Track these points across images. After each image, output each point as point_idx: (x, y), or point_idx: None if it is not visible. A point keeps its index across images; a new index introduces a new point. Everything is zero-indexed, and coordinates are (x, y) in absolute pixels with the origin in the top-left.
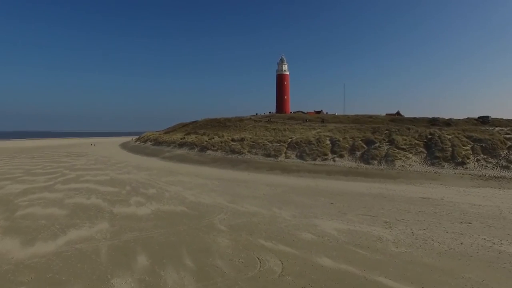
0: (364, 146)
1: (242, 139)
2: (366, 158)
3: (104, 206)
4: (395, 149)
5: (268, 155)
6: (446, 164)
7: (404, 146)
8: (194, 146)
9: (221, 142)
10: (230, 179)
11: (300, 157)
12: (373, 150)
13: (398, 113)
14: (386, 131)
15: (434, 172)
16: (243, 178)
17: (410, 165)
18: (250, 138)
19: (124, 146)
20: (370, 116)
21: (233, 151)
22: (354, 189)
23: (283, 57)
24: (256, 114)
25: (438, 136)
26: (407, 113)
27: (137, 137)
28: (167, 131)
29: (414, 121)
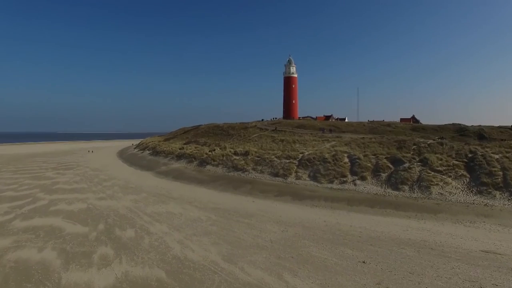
0: (390, 166)
1: (246, 153)
2: (394, 182)
3: (55, 266)
4: (429, 171)
5: (276, 175)
6: (498, 193)
7: (440, 168)
8: (193, 159)
9: (223, 156)
10: (230, 210)
11: (314, 178)
12: (402, 172)
13: (413, 118)
14: (414, 147)
15: (485, 205)
16: (246, 208)
17: (450, 193)
18: (255, 152)
19: (121, 154)
20: (388, 125)
21: (235, 168)
22: (387, 231)
23: (291, 58)
24: (262, 120)
25: (482, 155)
26: (419, 117)
27: (140, 141)
28: (168, 138)
29: (438, 130)
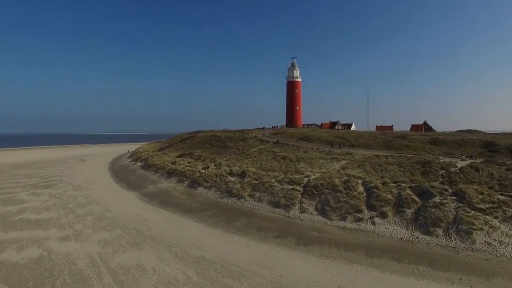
0: (416, 199)
1: (243, 173)
2: (423, 223)
3: None
4: (468, 210)
5: (277, 205)
6: None
7: (481, 205)
8: (184, 177)
9: (216, 176)
10: (217, 262)
11: (322, 211)
12: (432, 209)
13: (425, 124)
14: (443, 171)
15: None
16: (238, 259)
17: (501, 242)
18: (253, 173)
19: (113, 164)
20: (404, 137)
21: (230, 193)
22: None
23: (295, 61)
24: (264, 128)
25: None
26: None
27: (136, 148)
28: (163, 146)
29: (461, 144)
